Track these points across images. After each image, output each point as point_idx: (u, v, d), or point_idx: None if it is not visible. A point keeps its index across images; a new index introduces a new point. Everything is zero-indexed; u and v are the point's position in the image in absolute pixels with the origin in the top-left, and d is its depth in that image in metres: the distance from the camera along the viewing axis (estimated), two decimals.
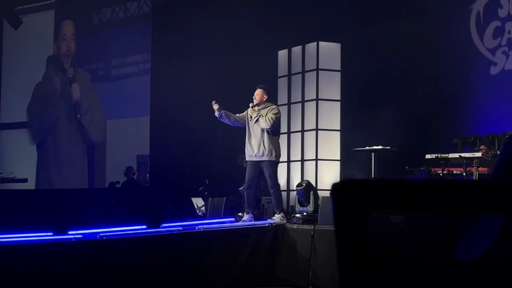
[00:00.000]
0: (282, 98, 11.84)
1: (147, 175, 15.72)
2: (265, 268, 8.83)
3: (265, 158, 9.34)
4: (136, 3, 16.34)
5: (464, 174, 9.10)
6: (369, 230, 1.20)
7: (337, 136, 11.31)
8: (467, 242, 1.61)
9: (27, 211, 10.46)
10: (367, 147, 10.16)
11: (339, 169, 11.29)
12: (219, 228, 9.12)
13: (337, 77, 11.39)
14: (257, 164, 9.44)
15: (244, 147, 9.60)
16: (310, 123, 11.37)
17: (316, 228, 8.64)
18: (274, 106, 9.55)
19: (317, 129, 11.25)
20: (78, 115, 16.72)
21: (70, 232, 8.10)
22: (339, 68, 11.40)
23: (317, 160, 11.19)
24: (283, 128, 11.72)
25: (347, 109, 11.39)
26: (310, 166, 11.28)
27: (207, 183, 12.60)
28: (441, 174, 9.45)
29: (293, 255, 8.80)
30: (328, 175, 11.09)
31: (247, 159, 9.58)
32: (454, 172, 9.48)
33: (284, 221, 9.30)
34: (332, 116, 11.31)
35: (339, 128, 11.32)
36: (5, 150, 17.70)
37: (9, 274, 7.05)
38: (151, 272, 7.86)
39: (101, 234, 8.08)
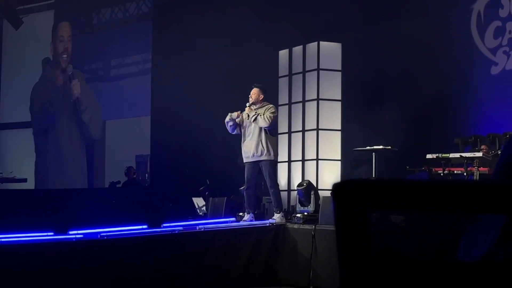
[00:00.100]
0: (283, 98, 11.84)
1: (146, 175, 15.73)
2: (266, 268, 8.83)
3: (264, 157, 9.34)
4: (135, 4, 16.35)
5: (465, 174, 9.10)
6: (370, 230, 1.20)
7: (337, 136, 11.31)
8: (468, 243, 1.60)
9: (27, 211, 10.46)
10: (367, 147, 10.16)
11: (340, 169, 11.29)
12: (220, 228, 9.12)
13: (338, 77, 11.39)
14: (255, 164, 9.44)
15: None
16: (310, 123, 11.36)
17: (317, 228, 8.64)
18: (271, 105, 9.55)
19: (317, 129, 11.25)
20: (79, 112, 16.75)
21: (71, 232, 8.10)
22: (340, 68, 11.40)
23: (317, 160, 11.19)
24: (284, 128, 11.73)
25: (348, 109, 11.39)
26: (310, 166, 11.28)
27: (208, 183, 12.60)
28: (442, 174, 9.45)
29: (293, 255, 8.80)
30: (328, 175, 11.09)
31: (244, 161, 9.55)
32: (455, 172, 9.48)
33: (284, 221, 9.31)
34: (333, 116, 11.31)
35: (339, 128, 11.31)
36: (5, 150, 17.71)
37: (9, 274, 7.06)
38: (152, 272, 7.87)
39: (102, 234, 8.09)
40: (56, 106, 17.22)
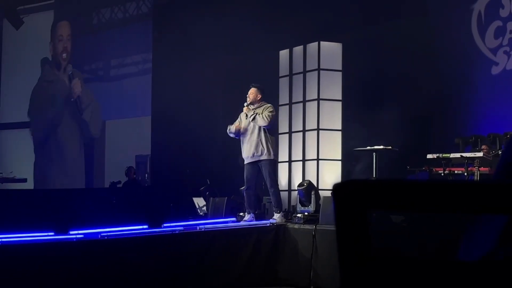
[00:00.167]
0: (284, 98, 11.84)
1: (146, 175, 15.74)
2: (266, 268, 8.83)
3: (263, 157, 9.34)
4: (135, 4, 16.37)
5: (465, 174, 9.10)
6: (370, 230, 1.20)
7: (338, 136, 11.30)
8: (468, 243, 1.60)
9: (27, 211, 10.45)
10: (368, 147, 10.16)
11: (341, 169, 11.29)
12: (221, 228, 9.12)
13: (338, 77, 11.38)
14: (255, 164, 9.44)
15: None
16: (311, 123, 11.36)
17: (317, 228, 8.64)
18: (269, 105, 9.55)
19: (318, 129, 11.24)
20: (80, 111, 16.77)
21: (71, 232, 8.10)
22: (340, 68, 11.39)
23: (318, 160, 11.19)
24: (285, 128, 11.73)
25: (348, 109, 11.39)
26: (311, 166, 11.28)
27: (209, 183, 12.61)
28: (442, 174, 9.45)
29: (294, 255, 8.80)
30: (329, 175, 11.09)
31: (245, 161, 9.56)
32: (456, 172, 9.48)
33: (284, 220, 9.31)
34: (333, 116, 11.31)
35: (340, 128, 11.31)
36: (5, 150, 17.73)
37: (9, 274, 7.06)
38: (152, 272, 7.87)
39: (102, 234, 8.09)
40: (56, 106, 17.23)
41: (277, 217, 9.32)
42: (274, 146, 9.51)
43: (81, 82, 17.18)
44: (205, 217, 10.90)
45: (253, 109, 9.44)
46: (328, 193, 10.02)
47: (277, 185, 9.79)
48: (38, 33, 17.60)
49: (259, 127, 9.36)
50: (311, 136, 11.35)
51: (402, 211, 1.19)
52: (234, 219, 9.94)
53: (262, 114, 9.32)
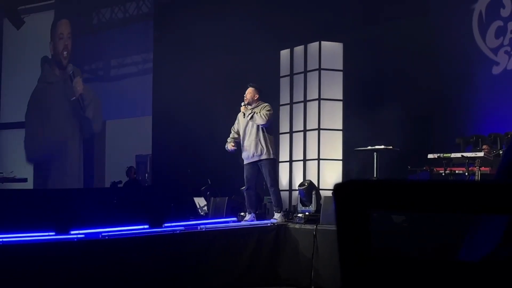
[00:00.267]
0: (285, 97, 11.84)
1: (146, 175, 15.74)
2: (267, 268, 8.83)
3: (263, 156, 9.34)
4: (135, 4, 16.37)
5: (466, 174, 9.10)
6: (371, 230, 1.19)
7: (339, 135, 11.30)
8: (470, 243, 1.60)
9: (28, 211, 10.45)
10: (369, 147, 10.16)
11: (341, 169, 11.29)
12: (221, 228, 9.12)
13: (339, 76, 11.38)
14: (255, 164, 9.44)
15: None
16: (312, 123, 11.36)
17: (318, 228, 8.63)
18: (266, 104, 9.54)
19: (319, 129, 11.24)
20: (83, 108, 16.78)
21: (72, 232, 8.10)
22: (341, 68, 11.39)
23: (319, 159, 11.18)
24: (285, 127, 11.73)
25: (349, 108, 11.38)
26: (312, 166, 11.28)
27: (209, 182, 12.60)
28: (443, 174, 9.45)
29: (295, 255, 8.79)
30: (330, 175, 11.09)
31: (245, 162, 9.56)
32: (457, 172, 9.48)
33: (284, 220, 9.31)
34: (334, 115, 11.30)
35: (341, 128, 11.31)
36: (5, 150, 17.74)
37: (10, 274, 7.06)
38: (153, 272, 7.86)
39: (103, 234, 8.09)
40: (55, 107, 17.24)
41: (277, 216, 9.32)
42: (273, 145, 9.51)
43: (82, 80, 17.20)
44: (206, 217, 10.90)
45: (250, 108, 9.45)
46: (329, 193, 10.01)
47: (278, 184, 9.78)
48: (38, 33, 17.61)
49: (257, 127, 9.36)
50: (312, 136, 11.35)
51: (402, 211, 1.19)
52: (235, 219, 9.94)
53: (260, 112, 9.32)
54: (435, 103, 11.97)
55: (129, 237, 8.28)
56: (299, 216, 9.37)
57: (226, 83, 13.30)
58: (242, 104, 9.50)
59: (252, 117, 9.35)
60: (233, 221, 9.82)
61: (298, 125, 11.59)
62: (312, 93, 11.40)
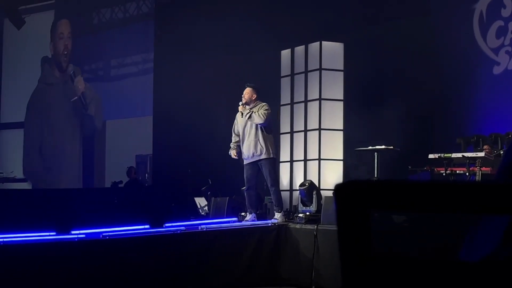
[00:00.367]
0: (285, 97, 11.84)
1: (146, 175, 15.73)
2: (268, 268, 8.83)
3: (263, 156, 9.34)
4: (135, 4, 16.36)
5: (467, 174, 9.09)
6: (372, 230, 1.19)
7: (340, 135, 11.30)
8: (470, 243, 1.60)
9: (28, 211, 10.46)
10: (370, 147, 10.16)
11: (342, 169, 11.29)
12: (222, 228, 9.12)
13: (340, 76, 11.38)
14: (254, 164, 9.44)
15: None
16: (313, 123, 11.36)
17: (319, 228, 8.63)
18: (264, 103, 9.54)
19: (320, 129, 11.24)
20: (85, 106, 16.78)
21: (73, 232, 8.10)
22: (342, 68, 11.39)
23: (320, 159, 11.18)
24: (286, 127, 11.73)
25: (350, 108, 11.38)
26: (313, 166, 11.28)
27: (210, 182, 12.61)
28: (444, 174, 9.44)
29: (296, 255, 8.79)
30: (331, 175, 11.09)
31: (245, 162, 9.56)
32: (457, 172, 9.47)
33: (284, 219, 9.32)
34: (335, 115, 11.30)
35: (342, 128, 11.31)
36: (5, 150, 17.73)
37: (10, 274, 7.06)
38: (154, 272, 7.87)
39: (104, 234, 8.09)
40: (55, 109, 17.24)
41: (278, 216, 9.32)
42: (273, 144, 9.50)
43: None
44: (206, 217, 10.90)
45: (249, 108, 9.45)
46: (330, 193, 10.01)
47: (278, 184, 9.77)
48: (38, 33, 17.61)
49: (256, 127, 9.36)
50: (312, 136, 11.35)
51: (403, 211, 1.19)
52: (235, 219, 9.94)
53: (258, 112, 9.32)
54: (436, 103, 11.96)
55: (129, 237, 8.28)
56: (299, 216, 9.37)
57: (227, 83, 13.30)
58: (240, 103, 9.50)
59: (250, 116, 9.35)
60: (234, 221, 9.82)
61: (299, 125, 11.59)
62: (313, 93, 11.40)
